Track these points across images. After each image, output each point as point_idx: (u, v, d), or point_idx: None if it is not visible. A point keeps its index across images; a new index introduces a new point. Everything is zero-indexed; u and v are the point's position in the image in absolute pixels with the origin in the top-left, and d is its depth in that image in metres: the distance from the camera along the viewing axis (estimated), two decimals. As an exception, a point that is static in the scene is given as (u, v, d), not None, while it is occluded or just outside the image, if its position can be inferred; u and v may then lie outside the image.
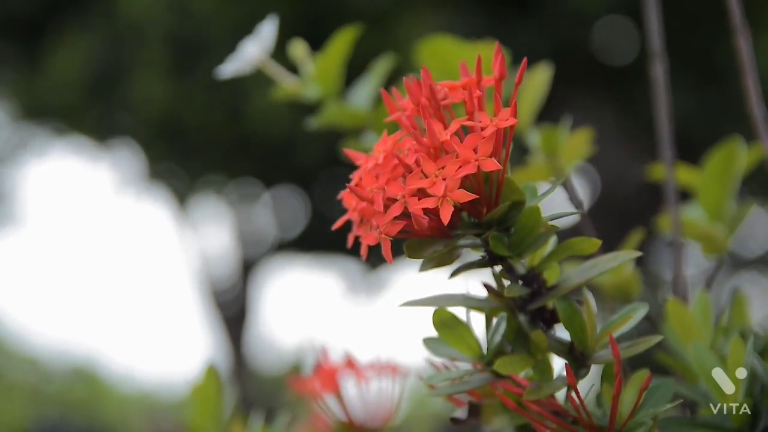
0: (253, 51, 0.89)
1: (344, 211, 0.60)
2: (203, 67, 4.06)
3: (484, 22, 3.75)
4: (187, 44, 4.10)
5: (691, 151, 1.20)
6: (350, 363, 0.84)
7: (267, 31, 0.89)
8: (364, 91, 0.91)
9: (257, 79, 3.89)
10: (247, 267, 5.94)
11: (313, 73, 0.91)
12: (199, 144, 4.53)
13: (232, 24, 3.88)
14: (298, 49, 0.92)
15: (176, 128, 4.37)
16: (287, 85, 0.92)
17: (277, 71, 0.91)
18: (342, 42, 0.90)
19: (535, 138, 0.89)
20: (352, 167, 0.59)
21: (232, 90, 4.06)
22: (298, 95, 0.92)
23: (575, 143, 0.89)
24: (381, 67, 0.91)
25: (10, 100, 5.02)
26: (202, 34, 4.04)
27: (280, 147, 4.35)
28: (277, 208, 5.65)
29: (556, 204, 0.67)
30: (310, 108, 0.92)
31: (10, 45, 4.74)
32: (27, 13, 4.48)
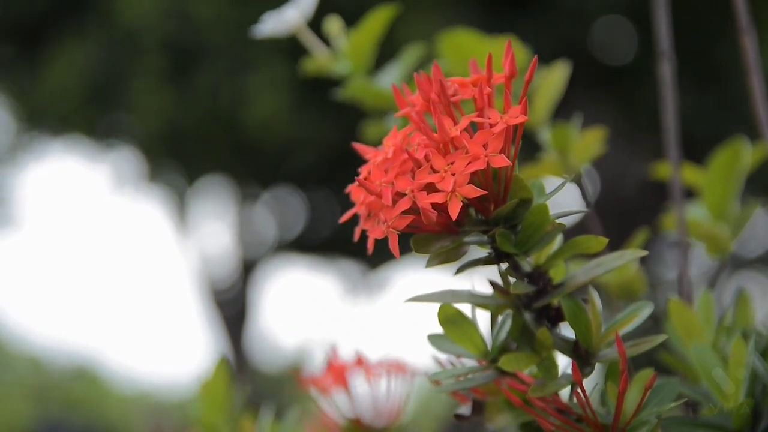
0: (292, 15, 0.88)
1: (343, 211, 0.60)
2: (202, 73, 4.06)
3: (484, 21, 3.76)
4: (186, 50, 4.10)
5: (689, 151, 1.20)
6: (360, 360, 0.84)
7: None
8: (391, 74, 0.91)
9: (257, 83, 3.90)
10: (247, 267, 5.94)
11: (345, 49, 0.91)
12: (198, 147, 4.53)
13: (231, 30, 3.87)
14: (333, 24, 0.91)
15: (175, 133, 4.37)
16: (319, 56, 0.92)
17: (311, 40, 0.91)
18: (377, 20, 0.90)
19: (547, 135, 0.90)
20: (353, 171, 0.59)
21: (231, 95, 4.05)
22: (328, 69, 0.92)
23: (587, 142, 0.89)
24: (411, 54, 0.91)
25: (9, 104, 5.02)
26: (200, 41, 4.03)
27: (280, 150, 4.35)
28: (277, 209, 5.65)
29: (562, 202, 0.67)
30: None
31: (10, 50, 4.74)
32: (26, 19, 4.48)
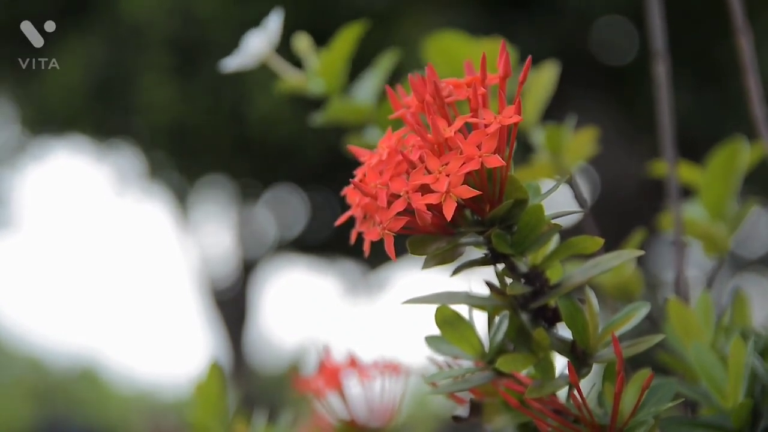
0: (258, 45, 0.89)
1: (343, 211, 0.60)
2: (206, 69, 4.07)
3: (484, 21, 3.76)
4: (190, 47, 4.10)
5: (688, 150, 1.20)
6: (353, 362, 0.84)
7: (272, 25, 0.89)
8: (368, 87, 0.91)
9: (260, 80, 3.90)
10: (247, 267, 5.94)
11: (317, 68, 0.91)
12: (201, 145, 4.53)
13: (234, 26, 3.87)
14: (303, 43, 0.92)
15: (179, 130, 4.37)
16: (291, 79, 0.92)
17: (281, 66, 0.91)
18: (347, 38, 0.90)
19: (539, 136, 0.90)
20: (353, 168, 0.59)
21: (235, 92, 4.06)
22: (303, 90, 0.92)
23: (580, 142, 0.89)
24: (385, 63, 0.91)
25: (12, 104, 5.02)
26: (204, 37, 4.03)
27: (282, 148, 4.35)
28: (277, 208, 5.65)
29: (558, 203, 0.67)
30: (314, 108, 0.92)
31: (12, 48, 4.74)
32: (29, 17, 4.47)
